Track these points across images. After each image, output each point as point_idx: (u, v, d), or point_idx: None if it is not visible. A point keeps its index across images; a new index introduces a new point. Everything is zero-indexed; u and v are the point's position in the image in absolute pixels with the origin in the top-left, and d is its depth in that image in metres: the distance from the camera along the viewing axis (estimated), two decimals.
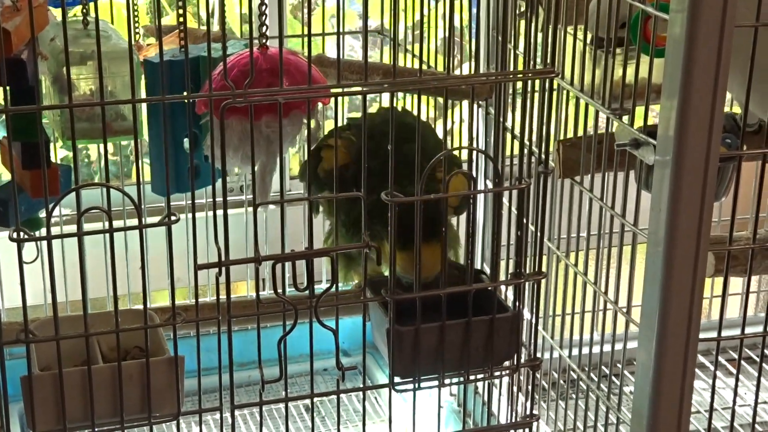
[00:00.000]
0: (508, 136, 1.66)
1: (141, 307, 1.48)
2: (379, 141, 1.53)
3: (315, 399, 1.59)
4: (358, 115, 1.88)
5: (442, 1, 2.23)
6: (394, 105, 1.53)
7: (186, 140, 1.84)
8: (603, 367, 1.92)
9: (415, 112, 1.56)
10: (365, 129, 1.51)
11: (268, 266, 1.47)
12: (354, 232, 1.68)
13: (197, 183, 1.53)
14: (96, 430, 1.49)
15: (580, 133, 1.89)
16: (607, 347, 1.87)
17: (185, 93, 1.62)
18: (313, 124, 1.77)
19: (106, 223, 1.42)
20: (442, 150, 1.51)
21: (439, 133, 1.76)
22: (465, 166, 1.84)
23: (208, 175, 1.83)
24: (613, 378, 1.90)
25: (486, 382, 1.79)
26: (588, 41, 1.85)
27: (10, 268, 1.50)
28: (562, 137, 1.96)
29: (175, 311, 1.48)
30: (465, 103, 2.13)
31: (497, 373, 1.66)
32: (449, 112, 1.98)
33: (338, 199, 1.55)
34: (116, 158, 2.55)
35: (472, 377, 1.64)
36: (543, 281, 1.67)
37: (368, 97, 1.55)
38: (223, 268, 1.43)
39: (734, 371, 1.76)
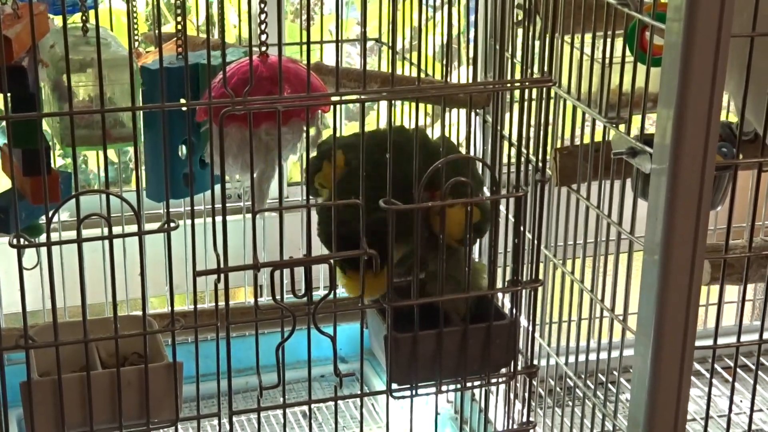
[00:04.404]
0: (506, 144, 1.67)
1: (140, 313, 1.49)
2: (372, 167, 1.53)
3: (312, 405, 1.60)
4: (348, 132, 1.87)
5: (440, 10, 2.23)
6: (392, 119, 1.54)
7: (180, 147, 1.85)
8: (599, 375, 1.92)
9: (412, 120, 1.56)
10: (363, 138, 1.51)
11: (266, 273, 1.47)
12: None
13: (193, 190, 1.54)
14: None
15: (577, 141, 1.90)
16: (603, 355, 1.87)
17: (182, 100, 1.63)
18: (313, 131, 1.77)
19: (106, 230, 1.42)
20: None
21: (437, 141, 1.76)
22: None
23: (203, 181, 1.84)
24: (610, 385, 1.90)
25: (483, 389, 1.80)
26: (586, 50, 1.86)
27: (9, 274, 1.51)
28: (559, 145, 1.97)
29: (173, 317, 1.48)
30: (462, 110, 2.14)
31: (494, 380, 1.67)
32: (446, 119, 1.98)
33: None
34: (115, 165, 2.56)
35: (469, 384, 1.64)
36: (540, 289, 1.68)
37: (366, 105, 1.55)
38: (222, 275, 1.44)
39: (730, 379, 1.77)
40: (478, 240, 1.65)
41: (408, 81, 1.98)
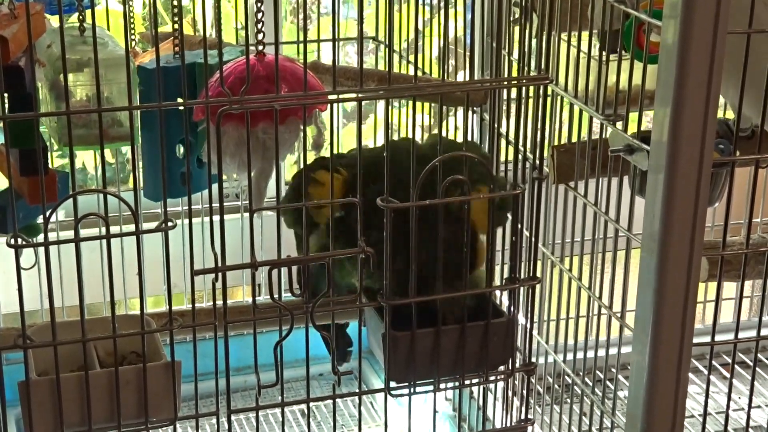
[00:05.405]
0: (503, 142, 1.67)
1: (138, 312, 1.49)
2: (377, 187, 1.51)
3: (311, 404, 1.60)
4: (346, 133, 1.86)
5: (437, 9, 2.24)
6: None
7: (177, 146, 1.85)
8: (597, 372, 1.93)
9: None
10: (360, 139, 1.51)
11: (264, 272, 1.47)
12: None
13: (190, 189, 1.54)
14: None
15: (575, 139, 1.90)
16: (601, 352, 1.88)
17: (179, 99, 1.63)
18: (312, 130, 1.77)
19: (103, 229, 1.42)
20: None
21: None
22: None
23: (200, 181, 1.84)
24: (608, 382, 1.90)
25: (481, 386, 1.80)
26: (583, 48, 1.86)
27: (7, 274, 1.51)
28: (556, 143, 1.97)
29: (171, 316, 1.48)
30: (459, 109, 2.14)
31: (492, 378, 1.67)
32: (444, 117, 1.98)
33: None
34: (113, 164, 2.56)
35: (467, 382, 1.64)
36: (538, 286, 1.68)
37: (363, 103, 1.55)
38: (220, 274, 1.44)
39: (728, 375, 1.77)
40: (501, 223, 1.66)
41: (405, 79, 1.98)
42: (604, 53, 1.76)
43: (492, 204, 1.55)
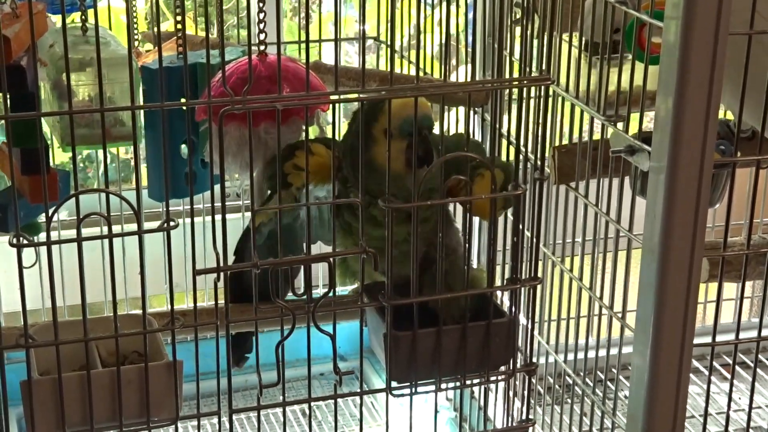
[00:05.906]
0: (504, 142, 1.67)
1: (139, 311, 1.49)
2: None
3: (312, 403, 1.60)
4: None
5: (438, 8, 2.24)
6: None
7: (182, 146, 1.85)
8: (598, 372, 1.93)
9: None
10: (362, 135, 1.52)
11: None
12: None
13: (194, 189, 1.54)
14: None
15: (576, 139, 1.90)
16: (602, 352, 1.88)
17: (182, 99, 1.63)
18: (314, 130, 1.78)
19: (105, 229, 1.42)
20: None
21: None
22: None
23: (205, 181, 1.84)
24: (608, 383, 1.90)
25: (482, 386, 1.80)
26: (582, 48, 1.87)
27: (9, 273, 1.51)
28: (557, 143, 1.97)
29: (173, 316, 1.48)
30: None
31: (493, 378, 1.67)
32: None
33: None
34: (114, 164, 2.56)
35: (468, 382, 1.65)
36: (539, 287, 1.68)
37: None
38: (222, 273, 1.44)
39: (729, 376, 1.77)
40: (505, 208, 1.66)
41: (407, 80, 1.98)
42: (605, 54, 1.76)
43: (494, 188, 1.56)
